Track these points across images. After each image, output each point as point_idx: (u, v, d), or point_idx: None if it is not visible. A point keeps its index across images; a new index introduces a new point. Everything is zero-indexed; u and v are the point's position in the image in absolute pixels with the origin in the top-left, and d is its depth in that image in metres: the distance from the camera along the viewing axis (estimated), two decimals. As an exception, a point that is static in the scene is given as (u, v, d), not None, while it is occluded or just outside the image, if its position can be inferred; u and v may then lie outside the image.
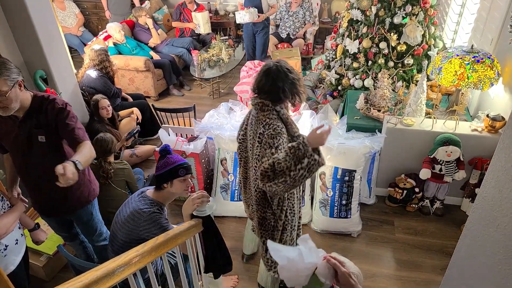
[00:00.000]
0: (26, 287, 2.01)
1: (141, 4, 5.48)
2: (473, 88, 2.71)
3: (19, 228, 1.90)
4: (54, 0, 5.24)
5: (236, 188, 3.05)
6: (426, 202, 3.08)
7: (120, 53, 4.73)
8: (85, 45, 5.23)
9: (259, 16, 4.52)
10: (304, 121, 3.02)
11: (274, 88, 1.81)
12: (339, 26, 4.04)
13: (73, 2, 5.75)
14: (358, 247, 2.82)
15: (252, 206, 2.07)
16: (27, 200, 2.16)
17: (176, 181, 1.89)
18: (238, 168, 3.01)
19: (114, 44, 4.70)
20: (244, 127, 2.01)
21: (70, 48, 3.66)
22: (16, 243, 1.85)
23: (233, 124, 3.12)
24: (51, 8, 3.09)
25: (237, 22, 4.67)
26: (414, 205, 3.12)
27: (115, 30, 4.62)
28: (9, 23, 2.90)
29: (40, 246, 2.55)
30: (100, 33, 4.95)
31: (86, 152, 1.81)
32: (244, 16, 4.55)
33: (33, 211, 2.71)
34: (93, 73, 3.66)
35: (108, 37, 4.73)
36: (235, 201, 3.06)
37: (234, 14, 5.93)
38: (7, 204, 1.86)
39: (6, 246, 1.78)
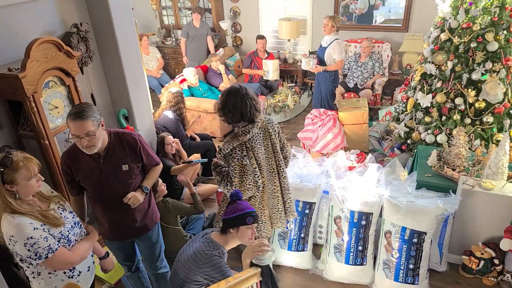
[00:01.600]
0: None
1: (215, 51, 5.91)
2: None
3: (92, 255, 2.02)
4: (141, 45, 5.88)
5: (295, 238, 2.97)
6: (507, 277, 2.72)
7: (192, 95, 5.07)
8: (162, 86, 5.72)
9: (316, 67, 4.50)
10: (370, 174, 2.91)
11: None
12: (411, 79, 3.96)
13: (156, 48, 6.39)
14: (425, 319, 2.55)
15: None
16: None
17: (243, 228, 1.91)
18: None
19: (188, 87, 5.07)
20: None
21: (149, 88, 4.02)
22: (88, 270, 1.95)
23: (295, 171, 3.11)
24: (139, 54, 3.46)
25: (302, 68, 4.77)
26: (492, 279, 2.77)
27: (190, 74, 5.01)
28: (103, 67, 3.29)
29: (104, 274, 2.68)
30: (177, 76, 5.39)
31: (153, 175, 2.26)
32: (303, 63, 4.65)
33: (101, 240, 2.88)
34: (170, 115, 3.95)
35: (183, 80, 5.14)
36: (292, 250, 2.97)
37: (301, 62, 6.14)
38: (84, 232, 2.00)
39: (80, 272, 1.89)
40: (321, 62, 4.50)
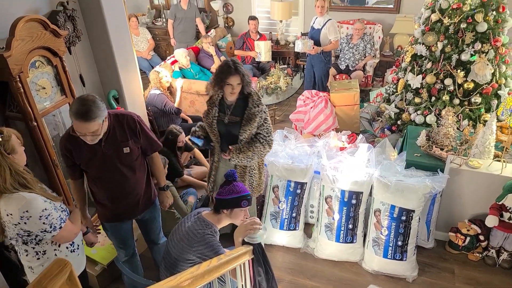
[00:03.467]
0: None
1: (207, 33, 5.82)
2: (552, 132, 2.49)
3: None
4: (130, 26, 5.75)
5: (286, 217, 3.02)
6: (492, 252, 2.83)
7: (184, 77, 5.02)
8: (153, 68, 5.63)
9: (313, 48, 4.51)
10: (361, 154, 2.95)
11: None
12: (402, 60, 3.97)
13: (146, 29, 6.26)
14: (412, 293, 2.64)
15: None
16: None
17: (237, 210, 1.93)
18: (288, 197, 2.99)
19: (180, 68, 5.01)
20: None
21: (139, 70, 3.97)
22: (82, 243, 1.99)
23: (287, 152, 3.14)
24: (129, 34, 3.39)
25: (295, 50, 4.73)
26: (478, 254, 2.87)
27: (181, 56, 4.94)
28: (92, 47, 3.22)
29: (97, 256, 2.71)
30: (168, 57, 5.31)
31: (160, 166, 2.40)
32: (298, 45, 4.59)
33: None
34: (156, 91, 3.95)
35: (174, 61, 5.07)
36: (284, 230, 3.03)
37: (294, 43, 6.09)
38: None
39: (78, 246, 1.91)
40: (316, 43, 4.49)
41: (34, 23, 2.28)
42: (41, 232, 1.70)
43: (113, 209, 2.22)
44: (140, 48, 5.94)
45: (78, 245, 1.96)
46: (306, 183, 3.00)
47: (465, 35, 3.32)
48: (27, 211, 1.63)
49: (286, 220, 3.02)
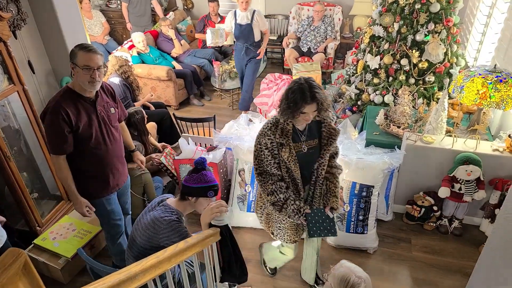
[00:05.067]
0: None
1: (165, 15, 5.63)
2: (495, 107, 2.68)
3: None
4: (82, 9, 5.44)
5: (253, 199, 3.06)
6: (445, 221, 3.03)
7: (143, 62, 4.85)
8: (109, 53, 5.38)
9: (259, 52, 4.21)
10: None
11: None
12: (361, 41, 4.06)
13: (100, 12, 5.95)
14: (374, 263, 2.78)
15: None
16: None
17: (202, 199, 1.92)
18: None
19: (138, 53, 4.83)
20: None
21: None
22: None
23: (252, 136, 3.15)
24: (80, 17, 3.23)
25: (207, 44, 4.40)
26: (432, 224, 3.06)
27: (138, 40, 4.76)
28: (40, 32, 3.03)
29: (60, 249, 2.63)
30: (125, 42, 5.10)
31: (128, 132, 2.55)
32: (208, 37, 4.19)
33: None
34: (116, 80, 3.74)
35: (132, 46, 4.88)
36: (252, 212, 3.07)
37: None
38: None
39: None
40: (246, 39, 4.16)
41: (-28, 4, 2.10)
42: None
43: (111, 177, 2.25)
44: (94, 33, 5.65)
45: None
46: (271, 165, 3.03)
47: (420, 16, 3.45)
48: None
49: (253, 202, 3.06)
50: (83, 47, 1.96)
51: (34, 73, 2.97)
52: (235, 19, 4.11)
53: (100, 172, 2.20)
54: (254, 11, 4.07)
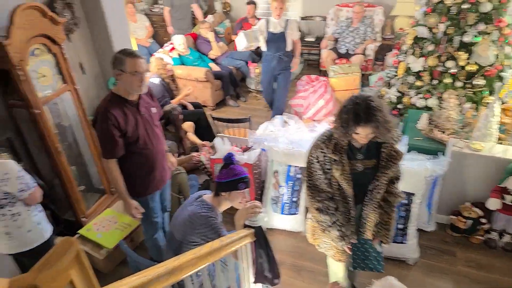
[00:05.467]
0: None
1: (204, 18, 5.76)
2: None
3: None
4: (127, 13, 5.69)
5: (287, 202, 3.04)
6: (494, 235, 2.84)
7: (183, 64, 4.99)
8: (151, 55, 5.59)
9: (293, 66, 3.98)
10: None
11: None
12: (403, 43, 3.93)
13: (144, 15, 6.20)
14: (414, 276, 2.67)
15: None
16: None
17: (235, 192, 1.95)
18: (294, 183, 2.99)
19: (179, 55, 4.98)
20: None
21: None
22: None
23: (287, 137, 3.14)
24: (126, 21, 3.38)
25: (238, 49, 4.08)
26: (479, 237, 2.88)
27: (179, 42, 4.91)
28: (91, 35, 3.21)
29: (102, 240, 2.75)
30: (166, 44, 5.27)
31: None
32: (240, 41, 3.84)
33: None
34: (156, 80, 3.92)
35: (173, 48, 5.04)
36: (285, 214, 3.05)
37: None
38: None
39: (42, 208, 2.19)
40: (278, 48, 3.93)
41: (32, 10, 2.28)
42: (19, 191, 1.89)
43: (158, 175, 2.33)
44: (138, 36, 5.88)
45: (42, 208, 2.19)
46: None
47: (468, 16, 3.27)
48: (7, 173, 1.84)
49: (287, 204, 3.05)
50: (129, 53, 2.02)
51: (84, 73, 3.15)
52: (268, 27, 3.89)
53: (148, 171, 2.28)
54: (287, 20, 3.89)
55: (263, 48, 3.98)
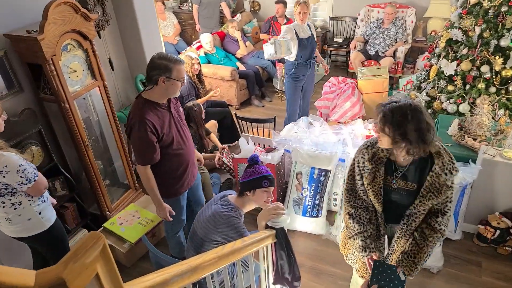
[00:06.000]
0: None
1: (232, 17, 5.78)
2: None
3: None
4: (157, 10, 5.79)
5: (309, 204, 3.01)
6: (524, 248, 2.72)
7: (209, 62, 5.03)
8: (179, 53, 5.67)
9: (326, 70, 3.90)
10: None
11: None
12: (435, 45, 3.80)
13: (172, 13, 6.29)
14: (437, 284, 2.58)
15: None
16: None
17: (259, 191, 1.94)
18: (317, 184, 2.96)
19: (205, 53, 5.02)
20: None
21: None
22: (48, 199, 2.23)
23: (312, 139, 3.11)
24: (156, 19, 3.43)
25: (265, 57, 3.73)
26: (507, 248, 2.76)
27: (206, 41, 4.94)
28: (120, 32, 3.27)
29: (125, 234, 2.81)
30: (194, 42, 5.33)
31: None
32: (268, 50, 3.52)
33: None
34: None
35: (200, 47, 5.08)
36: (307, 216, 3.02)
37: (321, 29, 5.94)
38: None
39: (47, 198, 2.17)
40: (310, 53, 3.74)
41: (65, 6, 2.34)
42: (18, 184, 1.91)
43: (187, 176, 2.35)
44: (166, 33, 5.97)
45: (47, 197, 2.17)
46: (330, 170, 2.97)
47: (506, 19, 3.13)
48: (6, 166, 1.85)
49: (309, 207, 3.02)
50: (175, 60, 2.02)
51: (113, 70, 3.22)
52: (297, 35, 3.62)
53: (182, 171, 2.30)
54: (308, 24, 3.72)
55: (291, 58, 3.73)
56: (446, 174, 1.62)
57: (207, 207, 2.03)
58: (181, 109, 2.32)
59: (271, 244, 1.85)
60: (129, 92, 3.51)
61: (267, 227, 1.87)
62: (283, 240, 1.87)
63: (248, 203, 2.00)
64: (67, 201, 2.76)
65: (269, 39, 5.38)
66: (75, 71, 2.59)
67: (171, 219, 2.32)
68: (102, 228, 2.90)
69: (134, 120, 2.04)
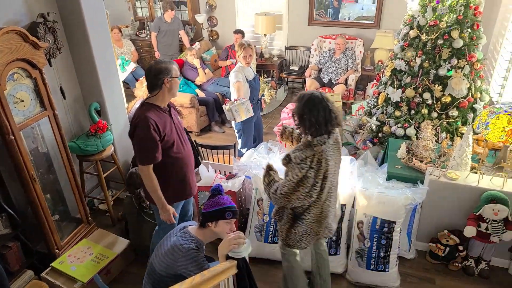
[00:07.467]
0: None
1: (191, 45, 5.84)
2: (525, 145, 2.59)
3: None
4: (113, 38, 5.71)
5: (271, 230, 3.01)
6: (471, 262, 2.88)
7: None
8: (137, 80, 5.59)
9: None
10: (344, 166, 2.98)
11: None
12: (382, 74, 4.07)
13: (130, 41, 6.24)
14: (395, 305, 2.65)
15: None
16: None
17: (222, 222, 1.92)
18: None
19: (163, 80, 4.98)
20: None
21: (122, 82, 3.93)
22: None
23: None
24: (111, 46, 3.38)
25: (228, 118, 3.63)
26: (457, 264, 2.92)
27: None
28: (73, 58, 3.18)
29: (76, 273, 2.63)
30: (151, 69, 5.28)
31: None
32: (228, 114, 3.47)
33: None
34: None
35: (158, 74, 5.04)
36: (269, 243, 3.01)
37: (277, 58, 6.13)
38: None
39: None
40: (257, 93, 3.79)
41: (13, 34, 2.25)
42: None
43: (188, 181, 2.44)
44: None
45: None
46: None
47: (442, 51, 3.44)
48: None
49: (270, 233, 3.01)
50: (170, 61, 2.26)
51: (65, 98, 3.10)
52: (245, 76, 3.56)
53: (184, 174, 2.40)
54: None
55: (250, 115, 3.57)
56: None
57: (166, 239, 1.96)
58: (179, 118, 2.49)
59: (233, 275, 1.82)
60: (82, 121, 3.37)
61: (228, 257, 1.84)
62: (245, 270, 1.85)
63: (210, 234, 1.97)
64: (10, 239, 2.55)
65: (229, 66, 5.49)
66: (22, 101, 2.47)
67: (175, 221, 2.35)
68: (50, 268, 2.69)
69: (138, 119, 2.17)
